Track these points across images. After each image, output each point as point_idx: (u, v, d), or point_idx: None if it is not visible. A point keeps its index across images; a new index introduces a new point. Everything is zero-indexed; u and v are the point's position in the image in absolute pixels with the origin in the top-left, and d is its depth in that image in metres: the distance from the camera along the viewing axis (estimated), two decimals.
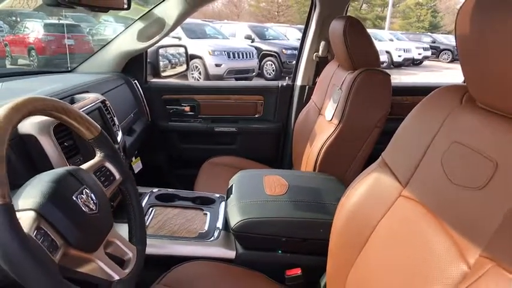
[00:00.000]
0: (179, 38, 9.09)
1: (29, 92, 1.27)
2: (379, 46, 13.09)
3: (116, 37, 1.97)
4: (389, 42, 14.26)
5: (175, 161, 2.28)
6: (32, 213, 0.65)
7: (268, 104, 2.22)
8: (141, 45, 1.94)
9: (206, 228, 1.31)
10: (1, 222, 0.55)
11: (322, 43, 2.03)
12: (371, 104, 1.52)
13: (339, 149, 1.55)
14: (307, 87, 2.15)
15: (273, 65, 10.32)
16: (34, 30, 9.96)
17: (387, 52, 13.16)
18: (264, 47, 10.48)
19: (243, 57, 9.19)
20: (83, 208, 0.72)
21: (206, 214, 1.40)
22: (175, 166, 2.29)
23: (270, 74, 10.32)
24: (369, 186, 1.01)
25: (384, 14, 22.01)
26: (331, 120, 1.63)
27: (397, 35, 16.06)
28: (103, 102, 1.43)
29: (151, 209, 1.40)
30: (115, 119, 1.51)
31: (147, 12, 1.90)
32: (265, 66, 10.42)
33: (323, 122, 1.73)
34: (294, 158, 2.01)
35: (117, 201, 1.19)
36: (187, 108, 2.22)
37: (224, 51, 8.88)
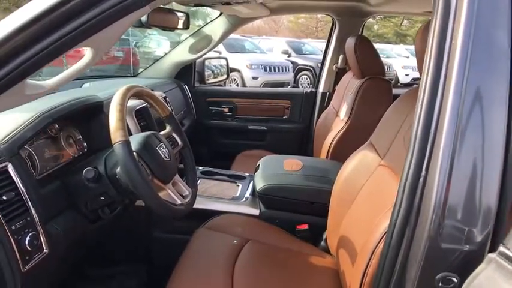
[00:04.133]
0: (219, 52, 9.68)
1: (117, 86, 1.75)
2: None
3: (170, 50, 2.46)
4: (404, 59, 14.03)
5: (215, 153, 2.71)
6: (135, 153, 1.08)
7: (294, 108, 2.62)
8: (192, 56, 2.41)
9: (238, 194, 1.71)
10: (125, 151, 0.98)
11: (341, 56, 2.42)
12: (374, 105, 1.87)
13: (347, 141, 1.92)
14: (327, 93, 2.53)
15: (308, 79, 10.62)
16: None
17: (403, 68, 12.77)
18: (300, 61, 10.82)
19: (279, 71, 9.59)
20: (162, 155, 1.14)
21: (238, 186, 1.80)
22: (215, 157, 2.72)
23: (304, 87, 10.62)
24: (358, 160, 1.38)
25: (408, 32, 21.76)
26: (342, 118, 2.00)
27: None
28: (165, 98, 1.89)
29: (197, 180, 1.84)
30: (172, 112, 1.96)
31: (197, 30, 2.38)
32: (300, 79, 10.74)
33: (338, 120, 2.10)
34: (314, 151, 2.39)
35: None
36: (226, 109, 2.66)
37: (261, 65, 9.33)
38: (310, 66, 10.56)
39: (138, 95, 1.18)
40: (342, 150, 1.93)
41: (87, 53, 0.84)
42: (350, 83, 2.15)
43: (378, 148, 1.31)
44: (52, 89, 0.87)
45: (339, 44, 2.40)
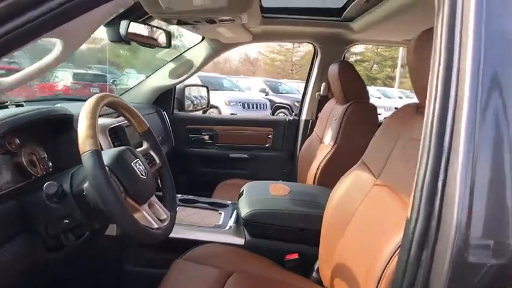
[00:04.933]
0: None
1: None
2: (388, 103, 13.24)
3: (150, 75, 2.38)
4: (398, 100, 14.75)
5: (194, 182, 2.57)
6: (107, 168, 0.95)
7: (277, 135, 2.55)
8: (171, 81, 2.33)
9: (220, 222, 1.57)
10: (95, 162, 0.85)
11: (323, 84, 2.40)
12: (360, 129, 1.82)
13: (334, 166, 1.84)
14: (310, 121, 2.49)
15: (285, 116, 10.73)
16: (63, 78, 10.80)
17: (396, 108, 13.50)
18: (277, 99, 11.03)
19: (257, 108, 9.71)
20: (138, 172, 1.02)
21: (221, 213, 1.67)
22: (194, 186, 2.58)
23: None
24: (350, 181, 1.30)
25: (394, 74, 22.88)
26: (328, 144, 1.94)
27: (407, 93, 16.63)
28: None
29: None
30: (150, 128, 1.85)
31: (178, 55, 2.32)
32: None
33: (322, 147, 2.04)
34: (298, 179, 2.29)
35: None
36: (206, 137, 2.56)
37: (239, 102, 9.44)
38: (287, 104, 10.77)
39: (112, 105, 1.07)
40: (329, 176, 1.85)
41: (56, 45, 0.74)
42: (334, 110, 2.11)
43: (371, 167, 1.24)
44: (14, 86, 0.75)
45: (321, 72, 2.39)
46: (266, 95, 11.33)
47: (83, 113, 0.91)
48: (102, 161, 0.87)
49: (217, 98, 9.38)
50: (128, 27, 1.38)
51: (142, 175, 1.04)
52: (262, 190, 1.63)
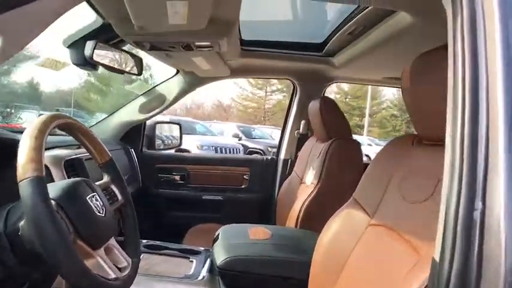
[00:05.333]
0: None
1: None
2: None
3: (118, 109, 2.22)
4: (367, 147, 15.10)
5: (162, 227, 2.34)
6: (52, 201, 0.76)
7: (254, 176, 2.40)
8: (141, 116, 2.17)
9: (192, 271, 1.36)
10: (35, 191, 0.67)
11: (303, 122, 2.31)
12: (344, 167, 1.71)
13: (317, 208, 1.69)
14: (289, 160, 2.36)
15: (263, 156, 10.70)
16: (27, 120, 10.39)
17: (366, 156, 13.84)
18: (251, 144, 10.99)
19: (229, 153, 9.60)
20: (94, 209, 0.83)
21: (192, 261, 1.46)
22: (163, 232, 2.33)
23: None
24: (341, 222, 1.16)
25: (363, 123, 23.71)
26: (310, 183, 1.80)
27: (376, 141, 17.11)
28: None
29: None
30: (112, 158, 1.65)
31: (150, 89, 2.18)
32: None
33: (303, 187, 1.90)
34: (277, 223, 2.12)
35: None
36: (177, 177, 2.37)
37: (212, 146, 9.32)
38: (260, 150, 10.74)
39: (67, 127, 0.90)
40: (313, 218, 1.70)
41: None
42: (314, 148, 2.00)
43: (365, 205, 1.11)
44: None
45: (301, 109, 2.31)
46: (239, 140, 11.30)
47: (27, 132, 0.74)
48: (45, 190, 0.69)
49: (190, 142, 9.22)
50: (94, 48, 1.24)
51: (100, 212, 0.85)
52: (240, 234, 1.45)
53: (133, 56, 1.50)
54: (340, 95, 25.46)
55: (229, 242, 1.36)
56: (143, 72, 1.63)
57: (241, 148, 10.21)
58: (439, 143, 0.94)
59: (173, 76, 2.14)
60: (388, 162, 1.08)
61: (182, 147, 9.56)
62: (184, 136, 9.40)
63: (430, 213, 0.85)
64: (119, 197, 1.03)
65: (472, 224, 0.51)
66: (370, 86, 21.31)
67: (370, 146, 15.40)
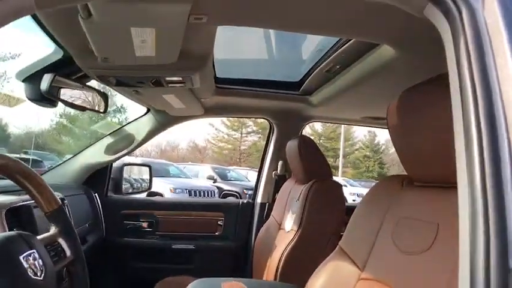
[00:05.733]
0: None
1: None
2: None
3: (82, 150, 2.05)
4: (343, 188, 15.15)
5: (127, 281, 2.11)
6: None
7: (229, 222, 2.24)
8: (107, 158, 2.01)
9: None
10: None
11: (280, 162, 2.21)
12: (326, 211, 1.60)
13: (299, 258, 1.55)
14: (267, 204, 2.23)
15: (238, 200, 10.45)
16: None
17: None
18: (226, 187, 10.77)
19: (204, 196, 9.33)
20: (28, 270, 0.68)
21: None
22: (127, 287, 2.11)
23: None
24: (329, 275, 1.03)
25: (337, 164, 24.00)
26: (290, 230, 1.67)
27: (350, 181, 17.23)
28: (62, 200, 1.41)
29: None
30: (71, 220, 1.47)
31: (118, 129, 2.05)
32: None
33: (283, 234, 1.76)
34: (254, 274, 1.94)
35: None
36: (145, 224, 2.17)
37: (185, 189, 9.04)
38: (236, 192, 10.54)
39: (3, 170, 0.76)
40: (295, 270, 1.55)
41: None
42: (293, 190, 1.89)
43: (353, 256, 1.00)
44: None
45: (278, 150, 2.21)
46: (214, 182, 11.07)
47: None
48: None
49: (163, 185, 8.94)
50: (52, 82, 1.11)
51: (36, 275, 0.69)
52: None
53: (98, 92, 1.38)
54: (314, 136, 25.93)
55: None
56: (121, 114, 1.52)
57: (216, 190, 9.98)
58: (433, 184, 0.85)
59: (143, 115, 2.02)
60: (377, 206, 0.98)
61: (155, 190, 9.26)
62: (157, 179, 9.12)
63: (431, 266, 0.74)
64: (68, 252, 0.87)
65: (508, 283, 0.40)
66: (343, 128, 21.87)
67: (345, 187, 15.50)
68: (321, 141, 25.86)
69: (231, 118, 21.08)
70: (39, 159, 11.12)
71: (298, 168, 1.79)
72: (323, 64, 1.43)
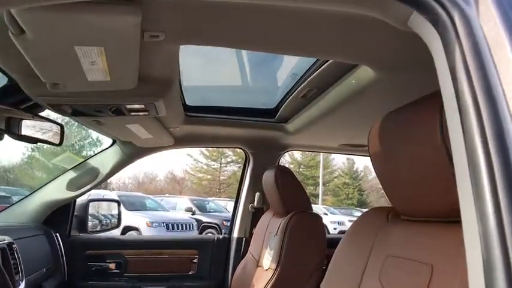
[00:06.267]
0: None
1: None
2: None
3: (42, 186, 1.89)
4: (324, 216, 15.04)
5: None
6: None
7: (203, 259, 2.08)
8: (69, 194, 1.85)
9: None
10: None
11: (257, 194, 2.09)
12: (306, 246, 1.49)
13: None
14: (244, 239, 2.09)
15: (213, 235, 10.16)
16: None
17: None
18: (205, 219, 10.48)
19: (182, 229, 9.01)
20: None
21: None
22: None
23: None
24: None
25: (317, 192, 23.97)
26: (268, 268, 1.54)
27: (331, 209, 17.13)
28: (9, 245, 1.25)
29: None
30: (21, 267, 1.31)
31: (81, 162, 1.90)
32: None
33: (261, 272, 1.63)
34: None
35: None
36: (112, 266, 1.99)
37: (163, 223, 8.71)
38: (216, 224, 10.27)
39: None
40: None
41: None
42: (271, 224, 1.77)
43: None
44: None
45: (254, 181, 2.10)
46: (193, 215, 10.76)
47: None
48: None
49: (138, 219, 8.60)
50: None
51: None
52: None
53: (52, 122, 1.25)
54: (293, 164, 25.95)
55: None
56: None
57: (195, 223, 9.67)
58: (423, 219, 0.76)
59: (109, 147, 1.89)
60: (360, 243, 0.87)
61: (130, 224, 8.87)
62: (133, 213, 8.77)
63: None
64: None
65: None
66: (322, 156, 21.99)
67: (326, 215, 15.39)
68: (300, 169, 25.90)
69: (209, 148, 20.88)
70: (7, 195, 10.61)
71: (275, 200, 1.69)
72: (298, 89, 1.36)
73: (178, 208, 11.55)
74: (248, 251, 1.93)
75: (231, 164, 25.78)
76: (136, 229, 8.48)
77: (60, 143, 1.27)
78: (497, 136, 0.38)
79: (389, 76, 1.00)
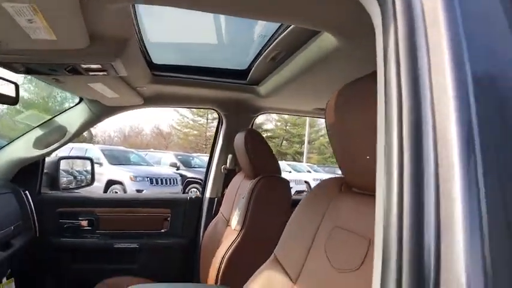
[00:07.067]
0: (100, 164, 8.91)
1: None
2: (298, 176, 13.71)
3: (8, 144, 1.84)
4: (307, 173, 15.32)
5: (65, 283, 1.94)
6: None
7: (176, 218, 2.11)
8: (37, 152, 1.81)
9: None
10: None
11: (230, 156, 2.09)
12: (271, 209, 1.51)
13: (241, 259, 1.46)
14: (216, 199, 2.11)
15: (198, 192, 10.29)
16: None
17: (306, 182, 14.02)
18: (189, 174, 10.56)
19: (166, 184, 9.08)
20: None
21: None
22: None
23: None
24: (260, 285, 0.94)
25: (302, 150, 24.26)
26: (234, 229, 1.57)
27: (314, 167, 17.44)
28: None
29: None
30: None
31: (48, 120, 1.85)
32: (189, 193, 10.37)
33: (229, 231, 1.66)
34: (201, 274, 1.84)
35: None
36: (84, 223, 2.00)
37: (146, 177, 8.75)
38: (200, 179, 10.35)
39: None
40: (236, 273, 1.45)
41: None
42: (242, 186, 1.79)
43: (286, 267, 0.91)
44: None
45: (227, 143, 2.09)
46: (177, 170, 10.82)
47: None
48: None
49: (122, 173, 8.61)
50: None
51: None
52: None
53: (6, 80, 1.19)
54: (281, 122, 26.01)
55: None
56: None
57: (179, 178, 9.76)
58: (369, 193, 0.77)
59: (76, 105, 1.83)
60: (313, 213, 0.89)
61: (114, 178, 8.85)
62: (117, 167, 8.73)
63: (363, 286, 0.66)
64: None
65: None
66: None
67: (309, 173, 15.68)
68: (287, 127, 26.01)
69: None
70: None
71: (245, 163, 1.69)
72: (267, 51, 1.31)
73: (163, 163, 11.59)
74: (219, 211, 1.96)
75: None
76: (120, 183, 8.52)
77: (15, 102, 1.22)
78: (413, 126, 0.37)
79: (351, 44, 0.96)
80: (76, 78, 1.27)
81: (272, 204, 1.52)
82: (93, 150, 9.57)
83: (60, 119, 1.85)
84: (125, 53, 1.07)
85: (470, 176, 0.35)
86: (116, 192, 8.44)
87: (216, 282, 1.45)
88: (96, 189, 8.31)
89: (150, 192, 8.46)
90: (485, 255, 0.33)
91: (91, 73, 1.17)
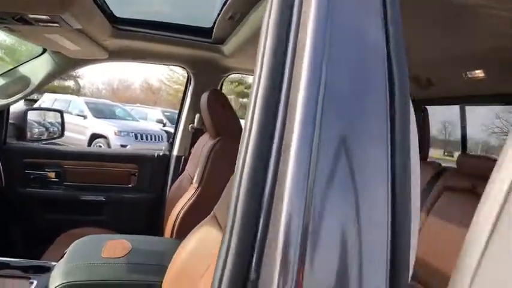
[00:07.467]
0: (84, 117, 8.83)
1: None
2: None
3: None
4: None
5: (30, 234, 2.00)
6: None
7: (143, 173, 2.15)
8: None
9: None
10: None
11: (197, 115, 2.11)
12: (227, 170, 1.55)
13: (195, 216, 1.51)
14: (183, 157, 2.15)
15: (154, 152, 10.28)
16: None
17: None
18: None
19: (151, 140, 9.04)
20: None
21: (32, 282, 1.19)
22: (30, 240, 2.00)
23: None
24: (197, 241, 0.99)
25: None
26: (194, 185, 1.62)
27: None
28: None
29: None
30: None
31: (11, 69, 1.82)
32: None
33: (191, 188, 1.71)
34: (165, 229, 1.91)
35: None
36: (51, 174, 2.03)
37: (131, 132, 8.68)
38: None
39: None
40: (191, 226, 1.52)
41: None
42: (206, 145, 1.82)
43: (223, 224, 0.95)
44: None
45: (195, 102, 2.10)
46: (164, 126, 10.75)
47: None
48: None
49: (106, 127, 8.54)
50: None
51: None
52: (92, 250, 1.21)
53: None
54: None
55: (73, 262, 1.13)
56: None
57: (165, 135, 9.70)
58: None
59: (39, 55, 1.80)
60: None
61: (98, 132, 8.76)
62: (101, 120, 8.59)
63: None
64: None
65: None
66: None
67: None
68: None
69: None
70: None
71: (208, 123, 1.70)
72: (224, 9, 1.29)
73: (149, 119, 11.48)
74: (185, 169, 2.00)
75: None
76: (104, 137, 8.46)
77: None
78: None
79: None
80: (30, 28, 1.25)
81: (229, 164, 1.56)
82: (78, 103, 9.42)
83: (23, 69, 1.82)
84: (75, 6, 1.05)
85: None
86: (100, 147, 8.43)
87: (171, 236, 1.51)
88: (80, 143, 8.29)
89: (135, 147, 8.46)
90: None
91: (41, 24, 1.14)
